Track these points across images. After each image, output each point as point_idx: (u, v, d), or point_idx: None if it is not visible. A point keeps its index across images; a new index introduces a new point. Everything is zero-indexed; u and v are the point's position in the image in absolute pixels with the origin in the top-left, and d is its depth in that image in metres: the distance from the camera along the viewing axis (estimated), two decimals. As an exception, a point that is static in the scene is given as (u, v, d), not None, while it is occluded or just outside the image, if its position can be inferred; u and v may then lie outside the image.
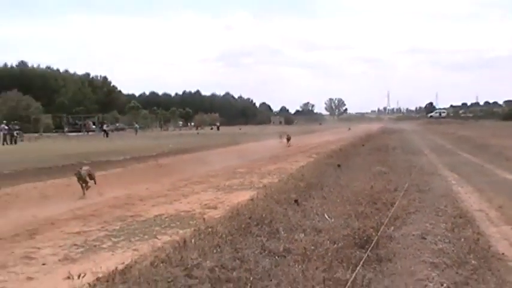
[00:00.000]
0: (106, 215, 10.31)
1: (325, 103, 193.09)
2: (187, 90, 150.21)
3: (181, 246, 6.75)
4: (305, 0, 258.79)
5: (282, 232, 7.49)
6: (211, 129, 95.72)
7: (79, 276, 5.91)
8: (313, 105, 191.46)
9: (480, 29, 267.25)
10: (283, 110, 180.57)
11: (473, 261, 6.20)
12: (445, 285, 5.47)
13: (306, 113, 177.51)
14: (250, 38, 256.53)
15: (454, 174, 16.17)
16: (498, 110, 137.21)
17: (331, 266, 5.84)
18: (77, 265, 6.68)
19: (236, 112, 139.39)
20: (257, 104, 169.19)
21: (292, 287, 5.16)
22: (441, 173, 16.72)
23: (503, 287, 5.44)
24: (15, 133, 48.19)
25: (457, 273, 5.85)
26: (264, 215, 8.52)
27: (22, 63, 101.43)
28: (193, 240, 7.02)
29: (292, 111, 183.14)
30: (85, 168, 13.10)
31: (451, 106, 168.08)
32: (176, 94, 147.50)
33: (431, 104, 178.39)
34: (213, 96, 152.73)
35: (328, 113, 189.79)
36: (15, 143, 45.98)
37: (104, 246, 7.92)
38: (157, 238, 8.23)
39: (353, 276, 5.42)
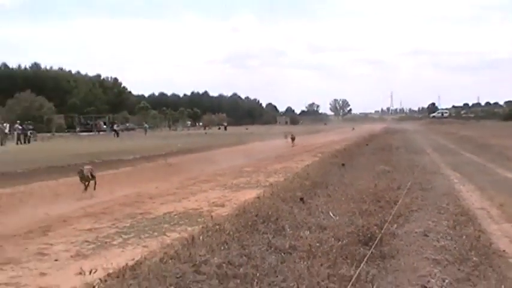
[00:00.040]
0: (117, 213, 10.33)
1: (330, 104, 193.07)
2: (196, 91, 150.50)
3: (189, 243, 6.76)
4: (310, 4, 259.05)
5: (288, 229, 7.50)
6: (219, 129, 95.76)
7: (90, 272, 5.93)
8: (318, 106, 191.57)
9: (481, 31, 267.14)
10: (289, 110, 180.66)
11: (474, 258, 6.19)
12: (447, 281, 5.46)
13: (311, 114, 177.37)
14: (256, 40, 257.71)
15: (456, 173, 16.12)
16: (499, 111, 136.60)
17: (336, 263, 5.84)
18: (89, 261, 6.70)
19: (243, 112, 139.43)
20: (263, 105, 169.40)
21: (297, 282, 5.16)
22: (443, 172, 16.68)
23: (503, 283, 5.42)
24: (28, 133, 48.38)
25: (458, 269, 5.84)
26: (270, 213, 8.52)
27: (35, 65, 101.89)
28: (201, 237, 7.03)
29: (297, 111, 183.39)
30: (87, 167, 12.99)
31: (453, 106, 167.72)
32: (184, 95, 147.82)
33: (433, 104, 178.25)
34: (221, 96, 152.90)
35: (332, 113, 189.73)
36: (29, 142, 46.14)
37: (115, 242, 7.93)
38: (166, 235, 8.23)
39: (357, 273, 5.42)
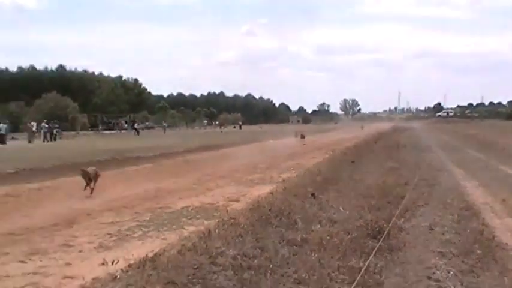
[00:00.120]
0: (137, 207, 10.37)
1: (340, 103, 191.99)
2: (212, 92, 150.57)
3: (206, 235, 6.78)
4: (321, 8, 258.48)
5: (300, 223, 7.50)
6: (234, 127, 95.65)
7: (113, 263, 5.97)
8: (328, 106, 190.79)
9: (486, 34, 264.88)
10: (301, 109, 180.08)
11: (478, 251, 6.18)
12: (451, 272, 5.44)
13: (322, 113, 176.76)
14: (270, 43, 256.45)
15: (460, 170, 16.04)
16: (502, 110, 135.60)
17: (346, 255, 5.83)
18: (111, 252, 6.74)
19: (257, 112, 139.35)
20: (276, 104, 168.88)
21: (309, 274, 5.16)
22: (448, 168, 16.60)
23: (506, 275, 5.39)
24: (54, 131, 48.68)
25: (463, 261, 5.83)
26: (283, 207, 8.53)
27: (61, 67, 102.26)
28: (217, 231, 7.05)
29: (309, 111, 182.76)
30: (92, 168, 12.57)
31: (458, 106, 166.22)
32: (201, 95, 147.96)
33: (439, 104, 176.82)
34: (236, 97, 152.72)
35: (343, 112, 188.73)
36: (55, 140, 46.45)
37: (135, 235, 7.96)
38: (184, 228, 8.26)
39: (366, 264, 5.41)
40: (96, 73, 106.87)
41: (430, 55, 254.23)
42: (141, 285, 4.77)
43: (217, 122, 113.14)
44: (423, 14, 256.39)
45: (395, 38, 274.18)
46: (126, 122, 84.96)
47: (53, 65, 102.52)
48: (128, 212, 9.87)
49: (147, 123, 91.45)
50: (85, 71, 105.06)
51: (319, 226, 7.38)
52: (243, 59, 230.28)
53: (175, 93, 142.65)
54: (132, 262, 5.73)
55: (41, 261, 6.43)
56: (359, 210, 8.58)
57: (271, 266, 5.38)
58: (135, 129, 67.90)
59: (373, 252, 5.90)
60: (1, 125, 43.17)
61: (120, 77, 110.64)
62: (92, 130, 75.22)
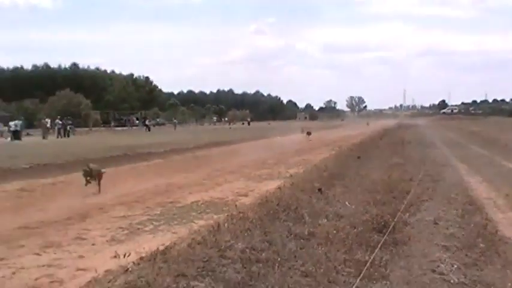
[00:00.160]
0: (148, 201, 10.40)
1: (347, 100, 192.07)
2: (221, 89, 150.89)
3: (215, 229, 6.79)
4: (328, 8, 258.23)
5: (307, 217, 7.49)
6: (243, 124, 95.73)
7: (125, 256, 5.99)
8: (335, 103, 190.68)
9: (489, 33, 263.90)
10: (308, 106, 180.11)
11: (481, 245, 6.15)
12: (455, 265, 5.43)
13: (329, 110, 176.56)
14: (278, 41, 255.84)
15: (464, 166, 15.97)
16: (506, 107, 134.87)
17: (352, 249, 5.83)
18: (123, 246, 6.76)
19: (265, 109, 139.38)
20: (284, 101, 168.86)
21: (316, 267, 5.16)
22: (453, 164, 16.53)
23: (508, 268, 5.37)
24: (68, 127, 48.92)
25: (466, 255, 5.81)
26: (290, 202, 8.53)
27: (74, 65, 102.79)
28: (226, 225, 7.06)
29: (316, 107, 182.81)
30: (93, 166, 12.05)
31: (462, 103, 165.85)
32: (211, 92, 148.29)
33: (443, 101, 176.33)
34: (244, 94, 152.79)
35: (349, 109, 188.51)
36: (68, 136, 46.67)
37: (147, 229, 7.99)
38: (194, 222, 8.27)
39: (371, 258, 5.41)
40: (108, 71, 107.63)
41: (434, 53, 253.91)
42: (152, 277, 4.79)
43: (226, 119, 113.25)
44: (427, 13, 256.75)
45: (400, 37, 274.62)
46: (137, 119, 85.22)
47: (66, 63, 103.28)
48: (139, 206, 9.90)
49: (157, 120, 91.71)
50: (97, 69, 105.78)
51: (325, 220, 7.38)
52: (252, 57, 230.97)
53: (185, 91, 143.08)
54: (143, 255, 5.74)
55: (55, 253, 6.47)
56: (365, 205, 8.56)
57: (279, 259, 5.39)
58: (146, 125, 68.14)
59: (379, 245, 5.89)
60: (16, 121, 43.53)
61: (132, 74, 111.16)
62: (104, 126, 75.45)
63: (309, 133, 35.39)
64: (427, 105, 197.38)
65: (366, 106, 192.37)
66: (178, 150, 24.69)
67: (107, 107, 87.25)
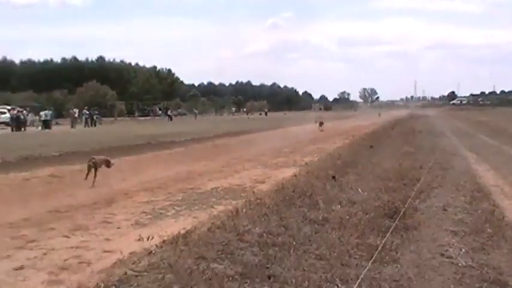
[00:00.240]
0: (170, 188, 10.45)
1: (359, 92, 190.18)
2: (240, 81, 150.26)
3: (234, 215, 6.82)
4: (342, 3, 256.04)
5: (321, 204, 7.49)
6: (260, 114, 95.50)
7: (148, 239, 6.04)
8: (348, 94, 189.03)
9: (497, 27, 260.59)
10: (323, 98, 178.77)
11: (489, 230, 6.12)
12: (463, 250, 5.40)
13: (343, 101, 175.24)
14: (294, 35, 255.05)
15: (473, 154, 15.82)
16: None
17: (364, 233, 5.82)
18: (146, 229, 6.81)
19: (281, 99, 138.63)
20: (300, 93, 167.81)
21: (329, 250, 5.16)
22: (461, 153, 16.39)
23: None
24: (94, 117, 49.39)
25: (474, 240, 5.78)
26: (305, 189, 8.54)
27: (101, 58, 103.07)
28: (244, 210, 7.08)
29: (330, 99, 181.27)
30: (101, 156, 11.51)
31: (471, 94, 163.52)
32: (230, 84, 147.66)
33: (453, 92, 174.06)
34: (262, 85, 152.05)
35: (362, 100, 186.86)
36: (95, 125, 47.08)
37: (169, 214, 8.04)
38: (213, 208, 8.30)
39: (383, 242, 5.39)
40: (132, 64, 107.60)
41: (444, 46, 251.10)
42: (174, 259, 4.82)
43: (244, 109, 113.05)
44: (437, 8, 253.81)
45: (412, 31, 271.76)
46: (160, 109, 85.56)
47: (93, 57, 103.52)
48: (161, 192, 9.95)
49: (179, 110, 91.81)
50: (122, 62, 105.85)
51: (339, 206, 7.37)
52: (269, 50, 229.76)
53: (205, 83, 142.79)
54: (165, 238, 5.79)
55: (82, 236, 6.54)
56: (377, 192, 8.53)
57: (294, 243, 5.40)
58: (169, 115, 68.38)
59: (390, 230, 5.87)
60: (46, 111, 43.99)
61: (155, 67, 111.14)
62: (128, 116, 76.11)
63: (321, 123, 33.59)
64: (437, 96, 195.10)
65: (378, 97, 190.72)
66: (198, 139, 24.75)
67: (131, 98, 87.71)
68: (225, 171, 13.03)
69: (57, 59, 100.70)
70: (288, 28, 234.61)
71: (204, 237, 5.64)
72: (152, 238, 6.04)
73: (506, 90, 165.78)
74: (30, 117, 45.52)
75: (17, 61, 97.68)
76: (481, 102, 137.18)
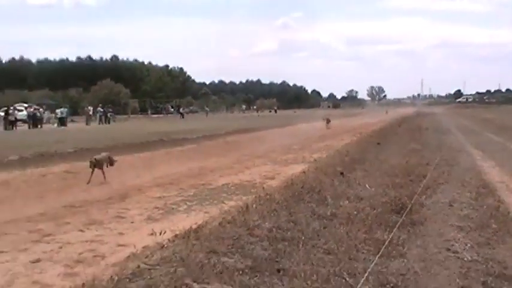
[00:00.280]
0: (182, 183, 10.49)
1: (367, 90, 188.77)
2: (250, 79, 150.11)
3: (244, 210, 6.82)
4: (350, 3, 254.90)
5: (330, 199, 7.48)
6: (270, 112, 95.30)
7: (160, 233, 6.07)
8: (356, 92, 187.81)
9: (503, 26, 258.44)
10: (331, 96, 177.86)
11: (494, 225, 6.08)
12: (469, 245, 5.38)
13: (351, 99, 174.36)
14: (303, 34, 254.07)
15: (478, 151, 15.71)
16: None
17: (371, 228, 5.81)
18: (159, 224, 6.85)
19: (291, 97, 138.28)
20: (309, 91, 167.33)
21: (337, 245, 5.16)
22: (467, 150, 16.28)
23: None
24: (108, 114, 49.61)
25: (479, 235, 5.75)
26: (314, 185, 8.53)
27: (114, 57, 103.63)
28: (254, 205, 7.09)
29: (338, 97, 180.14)
30: (103, 154, 11.36)
31: (477, 93, 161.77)
32: (240, 82, 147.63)
33: (459, 90, 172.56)
34: (272, 84, 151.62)
35: (369, 98, 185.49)
36: (109, 123, 47.32)
37: (181, 209, 8.08)
38: (224, 203, 8.33)
39: (390, 237, 5.38)
40: (145, 62, 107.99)
41: (450, 45, 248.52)
42: (186, 253, 4.84)
43: (254, 107, 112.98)
44: (444, 8, 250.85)
45: (419, 30, 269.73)
46: (172, 107, 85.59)
47: (107, 56, 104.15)
48: (174, 188, 10.00)
49: (191, 108, 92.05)
50: (136, 61, 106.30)
51: (347, 202, 7.36)
52: (279, 49, 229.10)
53: (216, 81, 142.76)
54: (177, 233, 5.80)
55: (97, 230, 6.60)
56: (384, 188, 8.51)
57: (303, 237, 5.40)
58: (181, 113, 68.43)
59: (397, 226, 5.86)
60: (62, 109, 44.36)
61: (167, 66, 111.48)
62: (141, 114, 76.26)
63: (328, 121, 33.33)
64: (443, 94, 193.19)
65: (385, 95, 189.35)
66: (210, 136, 24.72)
67: (144, 95, 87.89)
68: (236, 168, 13.06)
69: (73, 58, 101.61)
70: (298, 28, 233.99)
71: (215, 231, 5.66)
72: (164, 232, 6.07)
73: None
74: (47, 114, 45.96)
75: (33, 60, 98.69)
76: (486, 100, 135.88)
